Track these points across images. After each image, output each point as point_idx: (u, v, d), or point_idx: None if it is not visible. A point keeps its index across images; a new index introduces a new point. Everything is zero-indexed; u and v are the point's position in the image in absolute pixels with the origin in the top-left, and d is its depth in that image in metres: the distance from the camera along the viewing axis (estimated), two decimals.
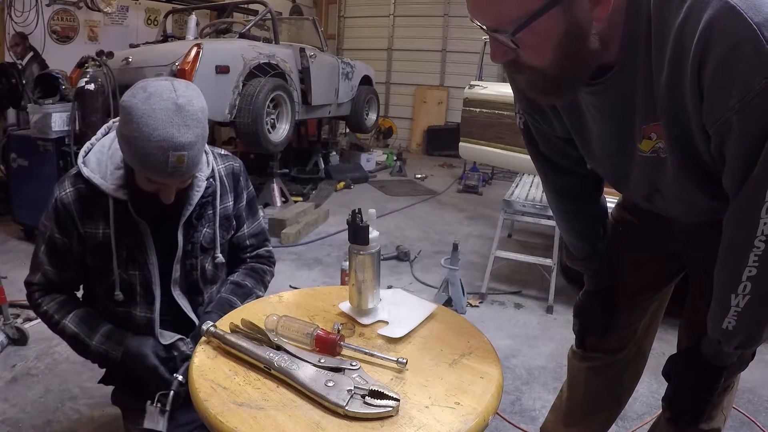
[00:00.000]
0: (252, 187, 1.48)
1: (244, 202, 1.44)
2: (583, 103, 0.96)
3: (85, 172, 1.21)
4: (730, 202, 0.82)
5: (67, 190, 1.23)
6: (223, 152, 1.42)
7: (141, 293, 1.29)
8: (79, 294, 1.37)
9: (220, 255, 1.37)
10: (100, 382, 1.43)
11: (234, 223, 1.42)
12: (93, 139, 1.30)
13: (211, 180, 1.32)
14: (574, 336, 1.39)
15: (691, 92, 0.77)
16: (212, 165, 1.33)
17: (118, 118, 1.31)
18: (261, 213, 1.52)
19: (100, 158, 1.23)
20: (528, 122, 1.15)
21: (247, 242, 1.47)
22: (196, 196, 1.28)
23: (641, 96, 0.85)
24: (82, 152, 1.25)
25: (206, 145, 1.33)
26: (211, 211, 1.34)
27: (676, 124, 0.83)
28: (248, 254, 1.48)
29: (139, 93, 1.07)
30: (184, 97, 1.08)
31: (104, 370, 1.40)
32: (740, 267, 0.80)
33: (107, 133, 1.31)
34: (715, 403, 1.03)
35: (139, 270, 1.27)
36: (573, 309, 1.35)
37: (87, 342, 1.26)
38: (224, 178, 1.37)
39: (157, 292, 1.29)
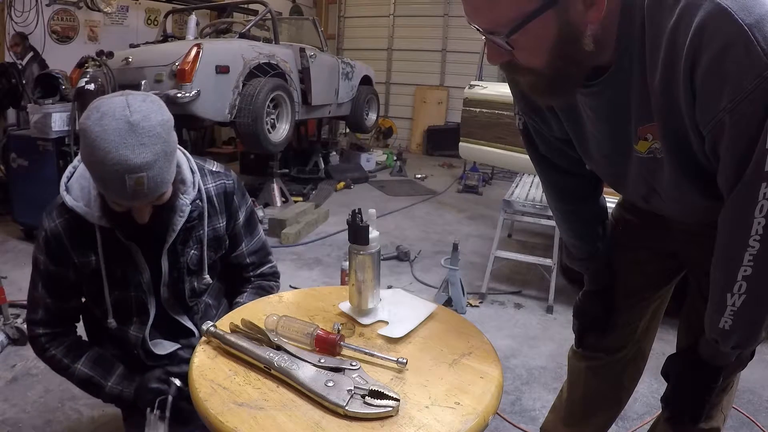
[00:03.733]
0: (250, 202, 1.42)
1: (241, 221, 1.38)
2: (579, 105, 0.96)
3: (68, 201, 1.15)
4: (724, 202, 0.82)
5: (56, 221, 1.19)
6: (215, 169, 1.35)
7: (136, 312, 1.28)
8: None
9: (207, 276, 1.32)
10: None
11: (227, 242, 1.37)
12: (75, 161, 1.23)
13: (198, 202, 1.26)
14: (574, 336, 1.39)
15: (684, 93, 0.77)
16: (199, 185, 1.26)
17: None
18: (261, 227, 1.47)
19: (83, 184, 1.18)
20: (527, 123, 1.15)
21: (248, 260, 1.42)
22: (180, 221, 1.22)
23: (636, 97, 0.86)
24: (64, 178, 1.20)
25: (196, 164, 1.28)
26: (198, 233, 1.29)
27: (670, 124, 0.83)
28: (251, 273, 1.44)
29: (93, 114, 1.00)
30: (138, 113, 1.00)
31: None
32: (735, 266, 0.81)
33: None
34: (714, 403, 1.03)
35: (134, 291, 1.26)
36: (573, 309, 1.36)
37: (102, 384, 1.25)
38: (214, 198, 1.31)
39: (152, 311, 1.29)
